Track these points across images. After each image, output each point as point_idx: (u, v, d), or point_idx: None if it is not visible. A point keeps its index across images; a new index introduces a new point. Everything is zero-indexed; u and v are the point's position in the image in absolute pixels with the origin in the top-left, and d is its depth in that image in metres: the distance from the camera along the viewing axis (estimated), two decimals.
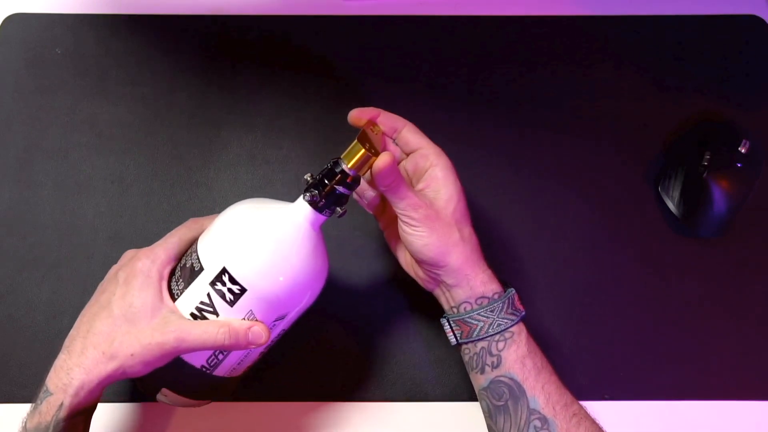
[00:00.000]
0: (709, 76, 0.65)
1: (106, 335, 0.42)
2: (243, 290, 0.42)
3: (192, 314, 0.43)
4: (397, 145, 0.48)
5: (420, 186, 0.47)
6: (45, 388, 0.41)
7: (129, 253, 0.47)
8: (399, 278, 0.56)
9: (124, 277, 0.44)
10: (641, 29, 0.67)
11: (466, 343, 0.46)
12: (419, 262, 0.47)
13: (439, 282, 0.47)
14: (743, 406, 0.53)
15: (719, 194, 0.56)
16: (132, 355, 0.41)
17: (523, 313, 0.46)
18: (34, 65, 0.64)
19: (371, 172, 0.43)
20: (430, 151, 0.47)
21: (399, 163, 0.48)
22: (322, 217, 0.44)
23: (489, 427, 0.46)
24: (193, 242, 0.46)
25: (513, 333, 0.45)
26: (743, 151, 0.57)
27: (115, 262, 0.47)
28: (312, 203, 0.43)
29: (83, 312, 0.45)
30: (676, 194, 0.58)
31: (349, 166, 0.42)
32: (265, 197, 0.47)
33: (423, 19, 0.67)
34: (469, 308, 0.46)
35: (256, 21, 0.66)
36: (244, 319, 0.43)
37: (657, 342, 0.54)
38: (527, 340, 0.45)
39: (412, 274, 0.49)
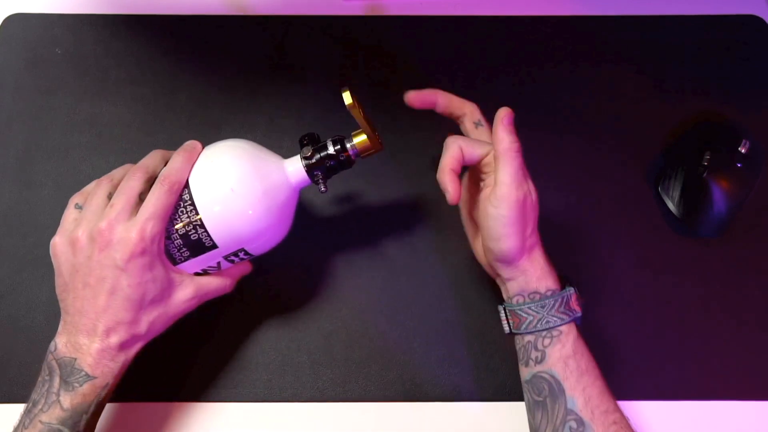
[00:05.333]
0: (709, 76, 0.65)
1: (135, 320, 0.44)
2: (250, 256, 0.48)
3: (196, 273, 0.48)
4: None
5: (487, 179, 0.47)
6: (84, 374, 0.43)
7: (95, 201, 0.46)
8: (398, 279, 0.56)
9: (123, 263, 0.43)
10: (641, 29, 0.67)
11: (517, 334, 0.47)
12: (490, 253, 0.47)
13: (496, 274, 0.48)
14: (743, 406, 0.53)
15: (719, 194, 0.56)
16: (164, 329, 0.47)
17: (579, 314, 0.46)
18: (34, 65, 0.64)
19: (498, 114, 0.46)
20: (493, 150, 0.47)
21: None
22: (308, 182, 0.47)
23: (528, 420, 0.47)
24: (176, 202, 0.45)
25: (561, 332, 0.45)
26: (743, 151, 0.57)
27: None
28: (309, 171, 0.47)
29: (80, 293, 0.44)
30: (676, 194, 0.58)
31: (354, 143, 0.47)
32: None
33: (423, 19, 0.67)
34: (521, 300, 0.46)
35: (256, 21, 0.66)
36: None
37: (657, 342, 0.54)
38: (575, 341, 0.45)
39: (484, 263, 0.50)
